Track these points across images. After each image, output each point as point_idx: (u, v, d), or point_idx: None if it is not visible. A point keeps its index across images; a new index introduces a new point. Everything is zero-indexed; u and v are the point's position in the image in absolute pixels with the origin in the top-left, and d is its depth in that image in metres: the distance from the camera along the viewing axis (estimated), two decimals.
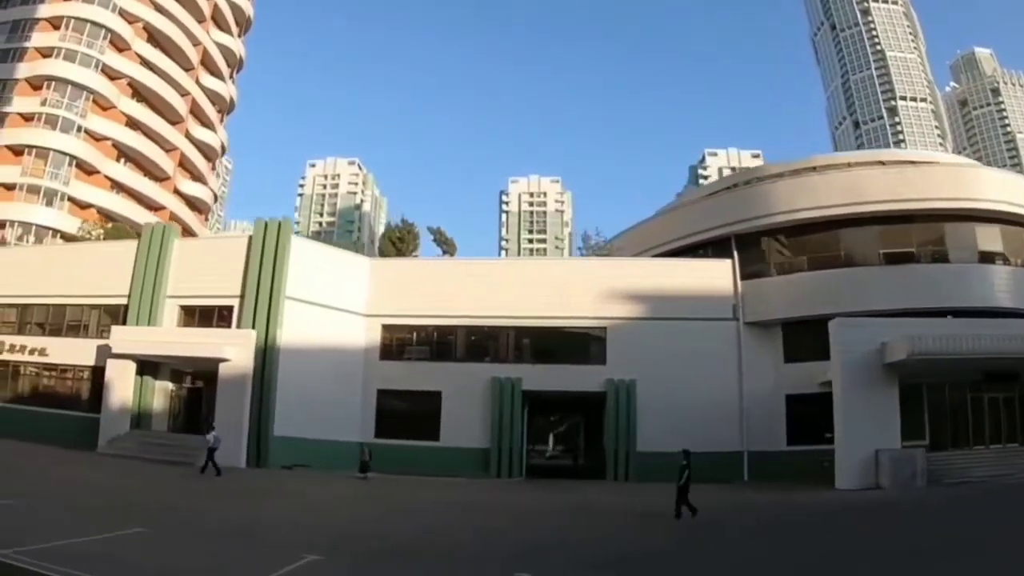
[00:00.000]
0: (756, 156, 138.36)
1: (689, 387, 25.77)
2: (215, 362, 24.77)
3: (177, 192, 52.19)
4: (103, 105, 46.01)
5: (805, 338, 25.77)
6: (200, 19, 52.59)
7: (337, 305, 27.55)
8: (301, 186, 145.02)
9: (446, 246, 34.97)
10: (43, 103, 44.28)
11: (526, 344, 28.22)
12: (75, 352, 28.53)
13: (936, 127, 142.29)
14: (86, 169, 44.81)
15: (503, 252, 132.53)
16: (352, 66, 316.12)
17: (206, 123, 54.92)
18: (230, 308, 26.42)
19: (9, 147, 43.05)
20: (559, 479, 27.97)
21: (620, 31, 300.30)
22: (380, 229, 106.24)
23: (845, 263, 26.78)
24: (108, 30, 45.95)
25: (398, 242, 35.44)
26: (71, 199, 43.81)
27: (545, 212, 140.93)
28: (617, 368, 26.91)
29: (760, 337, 27.18)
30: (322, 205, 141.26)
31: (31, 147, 43.26)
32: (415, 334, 28.81)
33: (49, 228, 42.50)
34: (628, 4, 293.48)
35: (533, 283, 28.44)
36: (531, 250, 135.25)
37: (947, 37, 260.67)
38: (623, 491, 23.14)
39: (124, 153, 47.77)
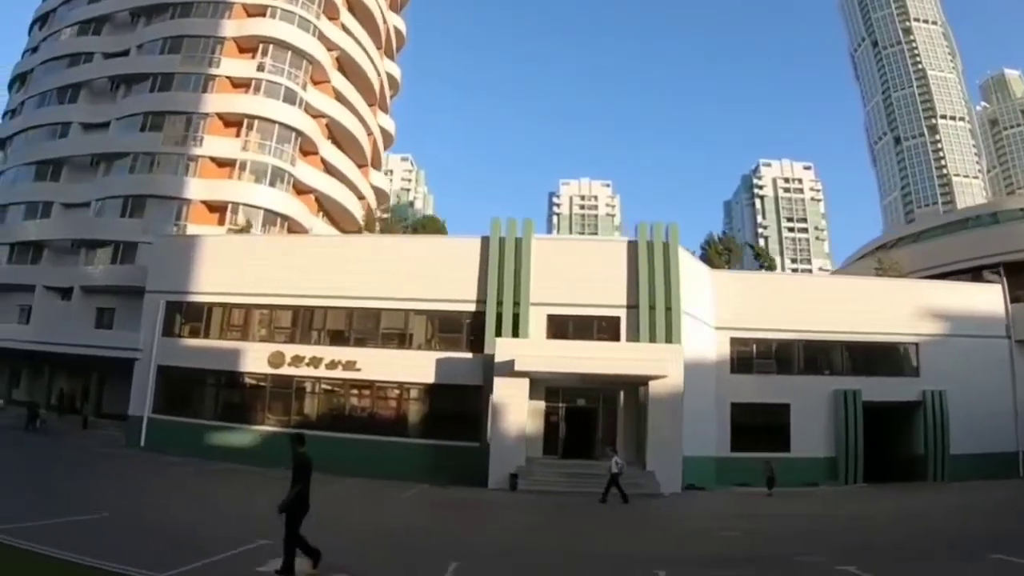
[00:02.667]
0: (808, 168, 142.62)
1: (974, 396, 28.17)
2: (640, 379, 23.71)
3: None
4: (314, 78, 43.59)
5: None
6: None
7: (700, 317, 27.63)
8: None
9: (766, 261, 36.63)
10: (259, 68, 41.07)
11: (849, 357, 30.18)
12: (399, 367, 26.32)
13: (973, 146, 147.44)
14: (302, 148, 42.22)
15: None
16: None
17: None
18: (614, 319, 25.37)
19: (221, 116, 40.04)
20: (884, 483, 29.15)
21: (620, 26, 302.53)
22: None
23: None
24: None
25: (726, 252, 37.10)
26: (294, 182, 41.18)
27: (596, 216, 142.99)
28: (928, 379, 28.99)
29: None
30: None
31: (253, 118, 40.12)
32: (754, 347, 29.16)
33: (278, 214, 39.75)
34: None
35: (852, 299, 29.92)
36: None
37: (976, 58, 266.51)
38: (964, 490, 24.70)
39: (333, 134, 45.57)
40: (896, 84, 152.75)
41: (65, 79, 43.43)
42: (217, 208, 38.96)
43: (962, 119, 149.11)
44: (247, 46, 42.16)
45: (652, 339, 25.14)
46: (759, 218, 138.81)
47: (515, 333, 25.18)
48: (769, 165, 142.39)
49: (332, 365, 26.90)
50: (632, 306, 25.62)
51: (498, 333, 25.15)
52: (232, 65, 41.40)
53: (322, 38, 44.29)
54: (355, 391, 27.48)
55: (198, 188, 38.65)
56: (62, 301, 38.67)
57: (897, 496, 23.94)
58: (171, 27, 42.11)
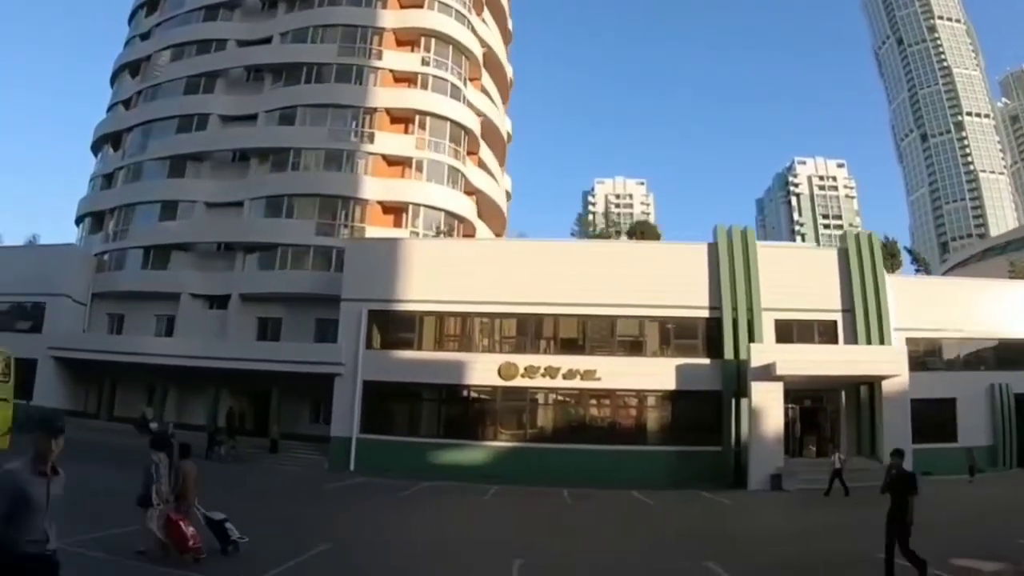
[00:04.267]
0: (841, 165, 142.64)
1: None
2: (869, 379, 25.05)
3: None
4: (469, 75, 40.85)
5: None
6: None
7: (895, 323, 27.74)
8: None
9: (923, 265, 35.53)
10: (424, 63, 38.24)
11: (998, 354, 29.43)
12: (637, 374, 26.35)
13: (998, 142, 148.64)
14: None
15: None
16: None
17: None
18: (831, 323, 26.77)
19: (389, 111, 36.92)
20: None
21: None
22: None
23: None
24: None
25: (890, 257, 35.81)
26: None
27: (632, 214, 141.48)
28: None
29: None
30: None
31: (425, 114, 37.05)
32: (923, 347, 28.57)
33: (456, 216, 36.82)
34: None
35: (998, 301, 29.62)
36: None
37: (994, 54, 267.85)
38: None
39: (485, 133, 42.42)
40: (922, 81, 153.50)
41: (196, 67, 39.27)
42: (392, 209, 35.89)
43: (987, 116, 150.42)
44: (404, 38, 38.90)
45: (868, 342, 26.32)
46: (795, 215, 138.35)
47: (750, 338, 25.80)
48: (804, 163, 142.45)
49: (570, 375, 26.49)
50: (847, 310, 26.83)
51: (734, 338, 25.97)
52: (394, 58, 38.16)
53: (474, 32, 41.49)
54: (593, 400, 27.42)
55: (374, 188, 35.46)
56: (212, 310, 35.04)
57: None
58: (320, 15, 38.51)
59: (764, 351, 24.69)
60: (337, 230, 34.78)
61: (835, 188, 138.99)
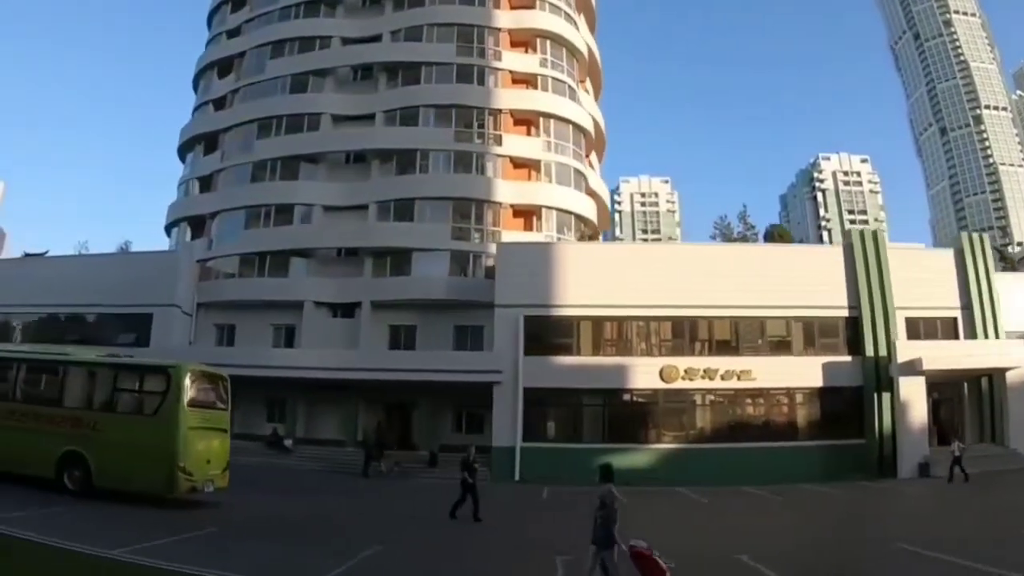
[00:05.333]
0: (864, 161, 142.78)
1: None
2: (997, 371, 26.43)
3: None
4: (578, 76, 40.10)
5: None
6: None
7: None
8: None
9: (1009, 263, 34.83)
10: (542, 64, 37.14)
11: None
12: (786, 373, 27.46)
13: (1016, 134, 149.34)
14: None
15: None
16: None
17: None
18: (951, 320, 28.21)
19: (512, 113, 35.71)
20: None
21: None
22: None
23: None
24: None
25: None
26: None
27: (658, 212, 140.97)
28: None
29: None
30: None
31: (548, 116, 35.93)
32: None
33: (584, 219, 36.09)
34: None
35: None
36: None
37: (1010, 47, 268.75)
38: None
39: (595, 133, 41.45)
40: (940, 76, 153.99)
41: (301, 65, 37.53)
42: (522, 212, 34.55)
43: (1004, 109, 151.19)
44: (518, 39, 37.78)
45: (985, 336, 27.48)
46: (821, 211, 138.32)
47: (886, 336, 27.12)
48: (828, 159, 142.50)
49: (727, 375, 27.29)
50: (965, 307, 28.05)
51: (873, 336, 27.23)
52: (513, 59, 37.02)
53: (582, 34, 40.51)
54: (748, 400, 28.25)
55: (506, 191, 34.13)
56: (337, 319, 33.51)
57: None
58: (432, 14, 37.10)
59: (909, 348, 26.24)
60: (469, 234, 33.43)
61: (859, 183, 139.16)
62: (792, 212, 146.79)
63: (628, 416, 28.11)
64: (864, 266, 28.05)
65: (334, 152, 36.29)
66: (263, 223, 35.08)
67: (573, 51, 39.30)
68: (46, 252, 43.12)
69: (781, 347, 28.27)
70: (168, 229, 41.13)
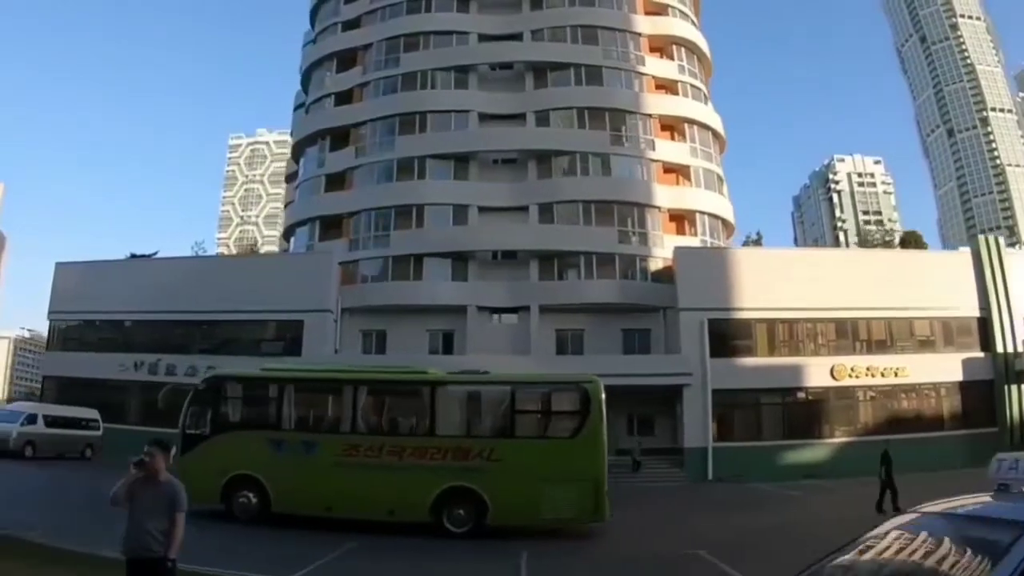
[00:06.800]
0: (878, 162, 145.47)
1: None
2: None
3: None
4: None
5: None
6: None
7: None
8: None
9: None
10: (680, 70, 37.62)
11: None
12: (932, 369, 29.55)
13: (1021, 136, 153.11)
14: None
15: None
16: None
17: None
18: None
19: (660, 118, 35.92)
20: None
21: None
22: None
23: None
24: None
25: None
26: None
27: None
28: None
29: None
30: None
31: (692, 123, 36.45)
32: None
33: (729, 224, 37.23)
34: None
35: None
36: None
37: (1011, 48, 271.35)
38: None
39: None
40: (947, 79, 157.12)
41: (442, 60, 36.86)
42: (674, 217, 34.80)
43: (1009, 111, 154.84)
44: (655, 45, 38.11)
45: None
46: (837, 212, 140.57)
47: (1012, 334, 29.52)
48: (843, 160, 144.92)
49: (886, 372, 29.26)
50: None
51: (1002, 334, 29.63)
52: (653, 64, 37.33)
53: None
54: (902, 394, 30.22)
55: (663, 195, 34.28)
56: (498, 324, 33.25)
57: None
58: (574, 15, 37.04)
59: None
60: (629, 237, 33.51)
61: (873, 184, 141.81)
62: (806, 212, 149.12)
63: (803, 413, 29.78)
64: (991, 270, 30.51)
65: (484, 152, 35.81)
66: (415, 224, 34.28)
67: (701, 57, 39.80)
68: (155, 253, 42.06)
69: (926, 345, 30.50)
70: (289, 231, 40.35)
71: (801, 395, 29.77)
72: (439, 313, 32.93)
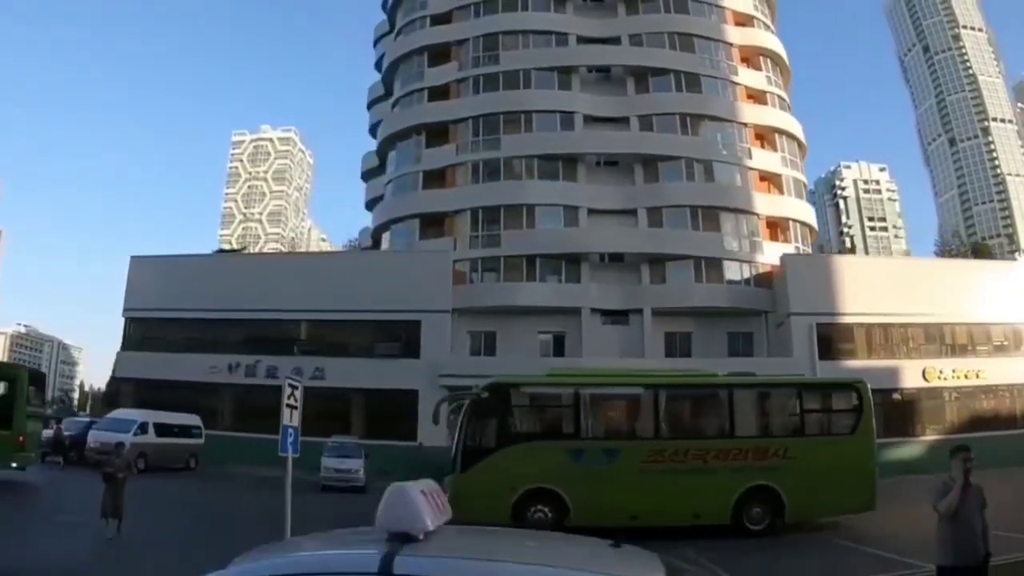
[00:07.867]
0: (883, 169, 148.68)
1: None
2: None
3: None
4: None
5: None
6: None
7: None
8: None
9: None
10: (768, 82, 39.14)
11: None
12: (1010, 372, 31.39)
13: (1021, 146, 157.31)
14: None
15: None
16: None
17: None
18: None
19: (754, 127, 37.34)
20: None
21: None
22: None
23: None
24: None
25: None
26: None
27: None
28: None
29: None
30: None
31: (782, 132, 38.03)
32: None
33: (814, 231, 39.94)
34: None
35: None
36: None
37: (1010, 59, 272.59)
38: None
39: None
40: (949, 88, 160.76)
41: (544, 60, 37.27)
42: (770, 224, 36.34)
43: (1010, 121, 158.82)
44: (744, 55, 39.53)
45: None
46: (843, 218, 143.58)
47: None
48: (849, 167, 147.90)
49: (968, 375, 31.26)
50: None
51: None
52: (745, 74, 38.83)
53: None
54: (982, 395, 32.06)
55: (762, 203, 35.90)
56: (609, 326, 33.79)
57: None
58: (669, 22, 38.27)
59: None
60: (732, 242, 34.92)
61: (879, 191, 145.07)
62: None
63: (898, 413, 30.73)
64: None
65: (591, 154, 36.58)
66: (525, 224, 34.79)
67: (783, 68, 41.38)
68: (244, 248, 42.44)
69: (1001, 350, 32.65)
70: (382, 228, 40.07)
71: (896, 396, 30.73)
72: (549, 315, 33.27)
